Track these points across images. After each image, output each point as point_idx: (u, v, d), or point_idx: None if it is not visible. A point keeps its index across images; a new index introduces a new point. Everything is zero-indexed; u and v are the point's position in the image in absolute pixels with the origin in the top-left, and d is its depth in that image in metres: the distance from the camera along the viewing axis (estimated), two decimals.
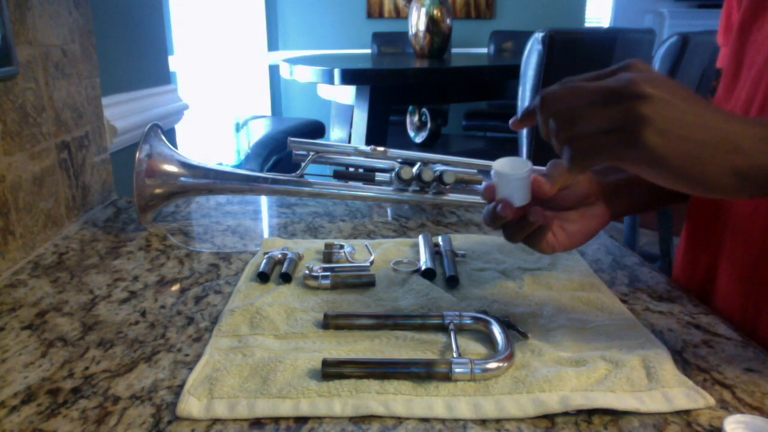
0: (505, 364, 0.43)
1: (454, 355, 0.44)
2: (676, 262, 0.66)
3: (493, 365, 0.42)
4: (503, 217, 0.46)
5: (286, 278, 0.59)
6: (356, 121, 2.00)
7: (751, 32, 0.56)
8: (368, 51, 3.58)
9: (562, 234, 0.50)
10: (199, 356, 0.46)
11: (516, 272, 0.61)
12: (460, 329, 0.49)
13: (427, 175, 0.74)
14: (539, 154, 1.70)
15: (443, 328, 0.49)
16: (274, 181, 0.74)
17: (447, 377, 0.42)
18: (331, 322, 0.50)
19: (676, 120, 0.36)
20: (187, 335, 0.50)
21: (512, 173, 0.45)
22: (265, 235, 0.76)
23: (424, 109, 2.53)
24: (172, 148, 0.74)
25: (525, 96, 1.68)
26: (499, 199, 0.46)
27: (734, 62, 0.58)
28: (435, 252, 0.65)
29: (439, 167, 0.76)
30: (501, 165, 0.46)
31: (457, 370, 0.42)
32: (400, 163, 0.75)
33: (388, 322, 0.50)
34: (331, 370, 0.42)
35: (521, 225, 0.46)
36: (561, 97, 0.39)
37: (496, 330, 0.47)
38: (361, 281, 0.58)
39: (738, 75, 0.57)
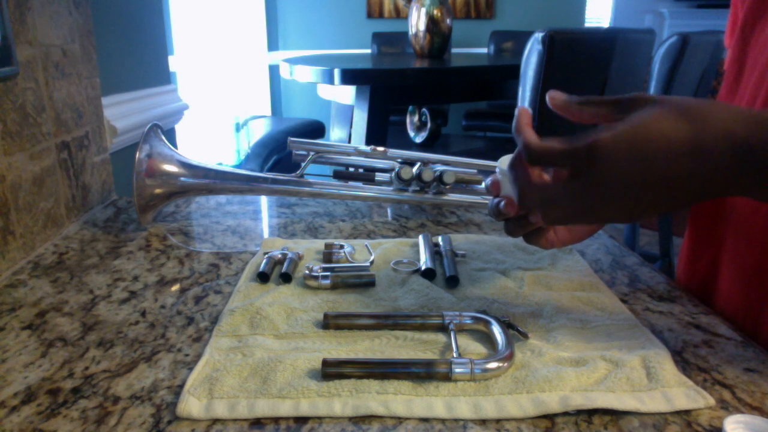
0: (505, 364, 0.43)
1: (454, 355, 0.44)
2: (679, 262, 0.66)
3: (493, 365, 0.42)
4: (505, 214, 0.47)
5: (286, 278, 0.59)
6: (356, 121, 2.00)
7: (752, 33, 0.56)
8: (368, 51, 3.58)
9: (562, 230, 0.50)
10: (199, 356, 0.46)
11: (516, 272, 0.61)
12: (460, 329, 0.49)
13: (427, 175, 0.74)
14: None
15: (443, 328, 0.49)
16: (274, 181, 0.74)
17: (447, 377, 0.42)
18: (331, 322, 0.50)
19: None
20: (187, 335, 0.50)
21: None
22: (265, 235, 0.76)
23: (424, 109, 2.53)
24: (172, 148, 0.74)
25: (525, 96, 1.68)
26: (503, 195, 0.47)
27: (736, 64, 0.58)
28: (435, 252, 0.65)
29: (439, 167, 0.76)
30: (506, 162, 0.46)
31: (457, 370, 0.42)
32: (400, 163, 0.75)
33: (388, 322, 0.50)
34: (331, 370, 0.42)
35: (522, 223, 0.47)
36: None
37: (496, 330, 0.47)
38: (361, 281, 0.58)
39: (740, 77, 0.57)
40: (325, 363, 0.42)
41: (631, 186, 0.38)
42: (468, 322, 0.49)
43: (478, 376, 0.42)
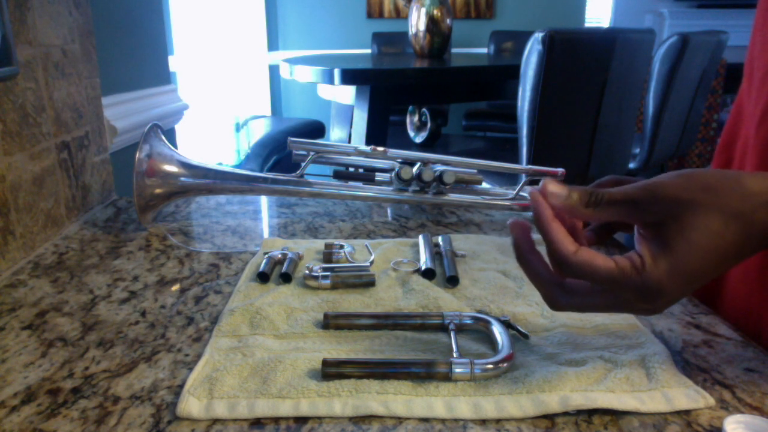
0: (505, 364, 0.43)
1: (454, 355, 0.44)
2: None
3: (493, 365, 0.42)
4: None
5: (286, 278, 0.59)
6: (356, 121, 2.00)
7: (757, 33, 0.55)
8: (368, 51, 3.58)
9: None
10: (199, 356, 0.46)
11: (516, 272, 0.61)
12: (460, 329, 0.49)
13: (427, 175, 0.74)
14: (539, 154, 1.70)
15: (443, 328, 0.49)
16: (274, 181, 0.74)
17: (447, 377, 0.42)
18: (331, 322, 0.50)
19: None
20: (187, 335, 0.50)
21: None
22: (265, 235, 0.76)
23: (424, 109, 2.53)
24: (172, 148, 0.74)
25: (525, 96, 1.68)
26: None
27: (749, 65, 0.57)
28: (435, 252, 0.65)
29: (439, 167, 0.76)
30: None
31: (457, 370, 0.42)
32: (400, 163, 0.75)
33: (388, 322, 0.50)
34: (331, 370, 0.42)
35: None
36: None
37: (496, 330, 0.47)
38: (361, 281, 0.58)
39: (751, 78, 0.56)
40: (325, 363, 0.42)
41: (681, 296, 0.38)
42: (468, 322, 0.49)
43: (478, 376, 0.42)
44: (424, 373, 0.42)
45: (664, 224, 0.36)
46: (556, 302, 0.39)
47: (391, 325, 0.50)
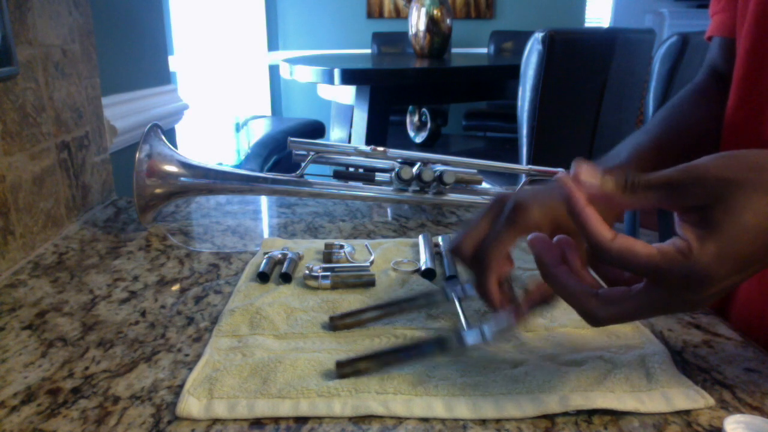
0: (515, 322, 0.42)
1: (464, 326, 0.44)
2: None
3: (503, 326, 0.42)
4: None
5: (286, 278, 0.59)
6: (356, 121, 2.00)
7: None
8: (368, 51, 3.58)
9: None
10: (199, 356, 0.46)
11: (516, 272, 0.61)
12: (465, 300, 0.50)
13: (427, 175, 0.74)
14: (539, 154, 1.70)
15: (447, 302, 0.50)
16: (274, 181, 0.74)
17: (462, 350, 0.42)
18: (338, 323, 0.50)
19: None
20: (187, 335, 0.50)
21: None
22: (265, 235, 0.76)
23: (424, 109, 2.53)
24: (172, 148, 0.74)
25: (525, 96, 1.68)
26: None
27: (751, 57, 0.52)
28: (435, 252, 0.65)
29: (439, 167, 0.76)
30: None
31: (470, 340, 0.42)
32: (400, 163, 0.75)
33: (392, 308, 0.51)
34: (346, 370, 0.42)
35: None
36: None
37: None
38: (361, 281, 0.58)
39: (759, 76, 0.52)
40: (339, 364, 0.42)
41: (729, 284, 0.33)
42: (472, 294, 0.49)
43: (492, 343, 0.42)
44: (437, 350, 0.42)
45: (709, 206, 0.33)
46: (595, 316, 0.36)
47: (396, 312, 0.50)
